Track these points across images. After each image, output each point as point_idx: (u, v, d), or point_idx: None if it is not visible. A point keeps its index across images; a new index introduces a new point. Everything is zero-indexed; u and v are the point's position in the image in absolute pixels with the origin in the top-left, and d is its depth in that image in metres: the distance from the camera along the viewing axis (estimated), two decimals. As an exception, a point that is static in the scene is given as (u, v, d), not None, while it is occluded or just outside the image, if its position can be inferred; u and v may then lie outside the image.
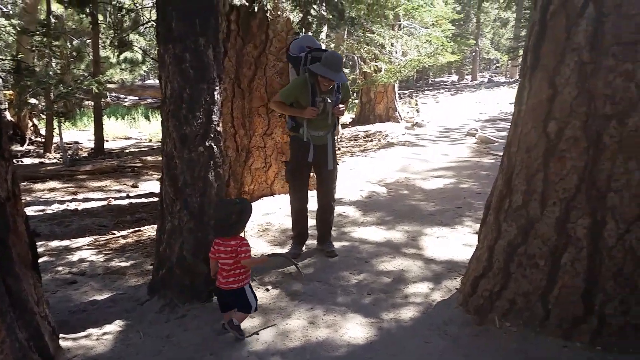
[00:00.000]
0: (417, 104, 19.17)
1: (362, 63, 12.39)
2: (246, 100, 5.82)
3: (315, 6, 4.85)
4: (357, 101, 14.48)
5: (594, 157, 2.65)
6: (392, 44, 12.05)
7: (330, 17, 4.98)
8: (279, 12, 5.67)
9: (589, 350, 2.58)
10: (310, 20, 4.94)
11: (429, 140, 11.26)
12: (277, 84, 5.86)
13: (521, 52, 32.23)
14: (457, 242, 4.39)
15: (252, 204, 5.65)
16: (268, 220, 4.98)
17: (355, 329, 2.89)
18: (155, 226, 5.18)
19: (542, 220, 2.81)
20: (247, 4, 5.15)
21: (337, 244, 4.30)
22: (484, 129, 13.29)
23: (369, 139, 11.51)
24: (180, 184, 3.19)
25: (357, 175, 7.49)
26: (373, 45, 10.96)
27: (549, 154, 2.78)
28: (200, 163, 3.21)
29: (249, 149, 5.90)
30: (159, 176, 3.63)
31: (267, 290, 3.43)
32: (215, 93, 3.24)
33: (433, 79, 38.80)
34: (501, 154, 9.53)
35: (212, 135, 3.25)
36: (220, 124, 3.33)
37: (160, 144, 3.50)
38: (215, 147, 3.27)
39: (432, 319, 3.01)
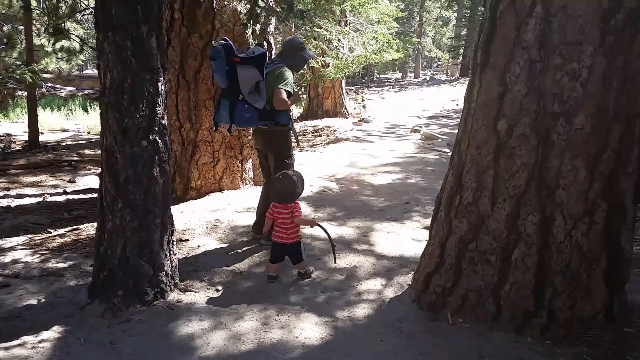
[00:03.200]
0: (363, 100, 19.35)
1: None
2: (192, 92, 5.63)
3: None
4: (304, 96, 14.41)
5: (543, 154, 2.70)
6: (339, 40, 12.05)
7: (279, 9, 4.86)
8: (225, 2, 5.52)
9: (539, 344, 2.63)
10: (258, 11, 4.81)
11: (376, 136, 11.35)
12: (225, 75, 5.69)
13: (461, 51, 33.41)
14: (407, 238, 4.42)
15: (200, 200, 5.59)
16: (217, 217, 4.83)
17: (310, 329, 2.83)
18: (95, 224, 4.93)
19: (492, 216, 2.84)
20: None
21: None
22: (428, 125, 13.58)
23: (318, 134, 11.47)
24: (122, 181, 3.01)
25: (307, 171, 7.39)
26: (321, 40, 10.90)
27: (499, 151, 2.81)
28: (143, 158, 3.04)
29: (195, 143, 5.71)
30: (98, 171, 3.42)
31: (218, 291, 3.31)
32: (159, 84, 3.08)
33: (378, 76, 39.36)
34: (445, 150, 9.74)
35: (156, 129, 3.08)
36: (165, 117, 3.17)
37: (99, 136, 3.29)
38: (160, 141, 3.10)
39: (387, 316, 2.99)
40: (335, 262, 3.59)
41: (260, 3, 4.84)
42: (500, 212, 2.81)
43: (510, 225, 2.79)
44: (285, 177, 3.54)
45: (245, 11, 5.32)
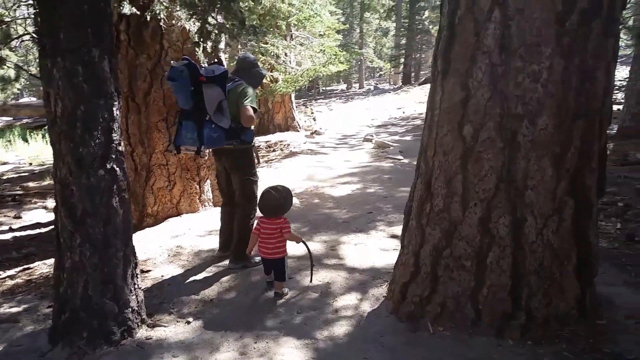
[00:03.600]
0: (312, 113, 19.40)
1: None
2: (143, 115, 5.43)
3: (213, 14, 4.60)
4: (255, 112, 14.25)
5: (509, 156, 2.73)
6: (285, 54, 12.04)
7: (230, 25, 4.76)
8: (173, 21, 5.37)
9: (521, 345, 2.64)
10: (209, 29, 4.69)
11: (330, 147, 11.37)
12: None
13: (402, 60, 34.18)
14: (375, 248, 4.39)
15: (158, 227, 5.37)
16: (178, 243, 4.64)
17: (290, 354, 2.71)
18: (47, 261, 4.64)
19: (464, 221, 2.84)
20: (138, 12, 4.79)
21: (256, 258, 4.11)
22: (378, 134, 13.76)
23: (271, 149, 11.37)
24: (79, 214, 2.82)
25: (265, 187, 7.30)
26: (268, 56, 10.85)
27: (466, 156, 2.82)
28: (101, 189, 2.86)
29: (149, 168, 5.49)
30: (45, 204, 3.20)
31: (188, 322, 3.14)
32: (114, 109, 2.92)
33: (323, 88, 39.66)
34: (399, 157, 9.87)
35: (113, 156, 2.91)
36: (122, 143, 3.01)
37: (42, 167, 3.07)
38: (117, 169, 2.93)
39: (366, 331, 2.93)
40: (311, 282, 3.60)
41: (211, 20, 4.72)
42: (471, 216, 2.82)
43: (482, 229, 2.80)
44: (275, 191, 3.54)
45: (194, 29, 5.18)
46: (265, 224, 3.50)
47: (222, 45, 5.75)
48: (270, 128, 14.12)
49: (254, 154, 4.04)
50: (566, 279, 2.83)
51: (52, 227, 5.94)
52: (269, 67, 11.15)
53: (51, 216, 6.63)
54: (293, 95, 14.62)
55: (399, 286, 3.17)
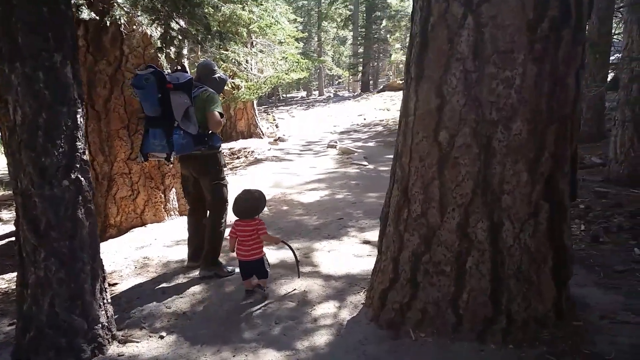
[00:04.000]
0: (274, 120, 19.32)
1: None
2: (103, 122, 5.25)
3: (176, 19, 4.48)
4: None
5: (485, 162, 2.75)
6: (246, 61, 11.94)
7: (195, 31, 4.66)
8: (134, 27, 5.22)
9: (503, 349, 2.65)
10: (172, 34, 4.57)
11: (295, 154, 11.32)
12: (137, 102, 5.36)
13: (360, 68, 34.59)
14: (348, 255, 4.36)
15: (121, 237, 5.18)
16: (144, 254, 4.48)
17: (271, 367, 2.65)
18: (5, 276, 4.40)
19: (443, 226, 2.85)
20: (97, 17, 4.62)
21: (229, 268, 4.03)
22: (342, 140, 13.81)
23: (235, 156, 11.22)
24: (43, 227, 2.67)
25: (232, 194, 7.18)
26: (230, 62, 10.72)
27: (442, 161, 2.83)
28: (65, 200, 2.72)
29: (111, 177, 5.31)
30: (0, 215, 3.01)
31: (162, 337, 3.01)
32: (78, 116, 2.80)
33: (284, 95, 39.60)
34: (364, 163, 9.91)
35: (77, 166, 2.78)
36: (87, 152, 2.87)
37: None
38: (82, 179, 2.80)
39: (347, 340, 2.88)
40: (299, 276, 3.78)
41: (174, 25, 4.61)
42: (450, 221, 2.82)
43: (461, 234, 2.81)
44: (247, 194, 3.64)
45: (156, 35, 5.05)
46: (240, 226, 3.54)
47: (185, 52, 5.64)
48: (233, 135, 13.95)
49: (221, 159, 4.04)
50: (544, 282, 2.87)
51: (8, 240, 5.68)
52: (231, 74, 11.02)
53: (6, 228, 6.31)
54: (255, 102, 14.51)
55: (378, 293, 3.14)
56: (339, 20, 39.55)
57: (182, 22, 4.71)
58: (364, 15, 35.06)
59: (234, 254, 3.63)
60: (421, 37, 2.90)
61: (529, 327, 2.83)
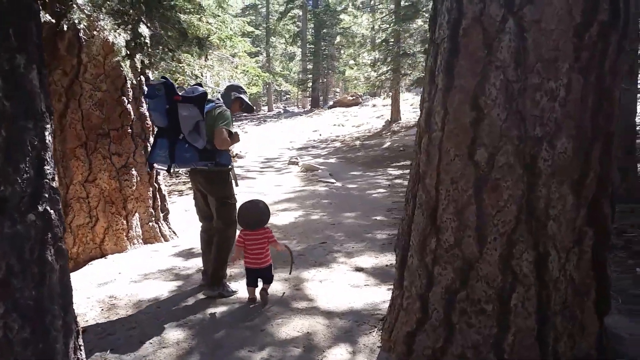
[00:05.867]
0: (228, 136, 18.69)
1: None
2: (57, 140, 4.65)
3: (147, 24, 3.97)
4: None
5: (529, 184, 2.43)
6: (201, 74, 11.39)
7: (166, 38, 4.16)
8: (94, 32, 4.64)
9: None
10: (140, 41, 4.05)
11: (255, 171, 10.83)
12: (97, 118, 4.80)
13: (310, 84, 34.51)
14: (344, 285, 3.95)
15: (79, 272, 4.54)
16: (110, 292, 3.88)
17: None
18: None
19: (482, 259, 2.49)
20: (52, 21, 4.05)
21: (212, 309, 3.54)
22: (301, 156, 13.47)
23: (191, 175, 10.59)
24: (2, 274, 2.09)
25: (195, 218, 6.61)
26: (186, 75, 10.13)
27: (480, 184, 2.48)
28: (31, 238, 2.15)
29: (66, 202, 4.69)
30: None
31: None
32: (46, 133, 2.24)
33: (233, 111, 38.88)
34: (331, 180, 9.55)
35: (46, 195, 2.22)
36: (56, 178, 2.33)
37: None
38: (52, 211, 2.24)
39: (374, 396, 2.46)
40: (290, 273, 4.01)
41: (142, 31, 4.09)
42: (491, 253, 2.47)
43: (504, 267, 2.46)
44: (252, 205, 3.74)
45: (120, 42, 4.49)
46: (249, 235, 3.64)
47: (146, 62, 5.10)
48: (187, 152, 13.28)
49: (232, 177, 3.96)
50: (587, 317, 2.57)
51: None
52: (187, 87, 10.43)
53: None
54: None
55: (402, 336, 2.74)
56: (287, 36, 39.55)
57: (146, 30, 4.20)
58: (313, 31, 35.18)
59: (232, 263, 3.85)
60: (450, 43, 2.55)
61: (575, 368, 2.52)
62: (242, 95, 4.14)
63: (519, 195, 2.42)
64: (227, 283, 3.94)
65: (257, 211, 3.71)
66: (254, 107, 4.33)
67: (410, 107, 23.23)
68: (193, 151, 3.59)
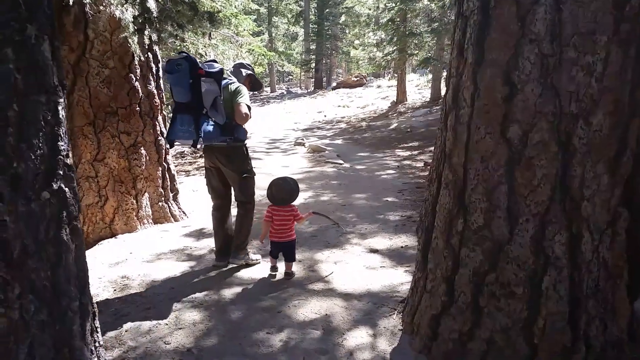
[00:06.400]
0: (232, 116, 18.55)
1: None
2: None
3: (156, -2, 3.83)
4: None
5: (564, 162, 2.33)
6: (206, 54, 11.21)
7: (176, 12, 4.01)
8: (101, 7, 4.50)
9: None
10: (148, 16, 3.91)
11: (262, 152, 10.72)
12: (105, 96, 4.69)
13: (313, 65, 34.16)
14: (359, 267, 3.88)
15: (89, 252, 4.47)
16: (122, 272, 3.82)
17: None
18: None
19: (514, 240, 2.40)
20: (58, -4, 3.91)
21: (227, 291, 3.46)
22: (307, 137, 13.33)
23: (199, 154, 10.48)
24: (17, 255, 2.01)
25: (204, 198, 6.53)
26: (192, 54, 9.96)
27: (512, 162, 2.38)
28: (46, 217, 2.07)
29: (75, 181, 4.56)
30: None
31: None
32: (60, 108, 2.15)
33: (235, 91, 38.60)
34: (339, 161, 9.42)
35: (60, 173, 2.13)
36: (70, 154, 2.24)
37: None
38: (67, 189, 2.16)
39: (400, 380, 2.39)
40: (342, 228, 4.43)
41: (150, 6, 3.95)
42: (522, 234, 2.38)
43: (536, 249, 2.37)
44: (284, 182, 3.84)
45: (128, 17, 4.35)
46: (277, 211, 3.75)
47: (155, 37, 4.96)
48: (191, 133, 13.16)
49: (247, 152, 4.04)
50: (619, 300, 2.49)
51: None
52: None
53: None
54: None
55: (426, 319, 2.66)
56: (289, 16, 39.08)
57: (154, 4, 4.06)
58: (316, 11, 34.74)
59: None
60: (481, 15, 2.43)
61: (607, 353, 2.45)
62: (252, 72, 4.18)
63: (553, 174, 2.32)
64: (250, 252, 4.07)
65: (289, 188, 3.80)
66: (263, 85, 4.32)
67: (416, 88, 23.01)
68: (214, 126, 3.61)
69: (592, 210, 2.35)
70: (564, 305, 2.37)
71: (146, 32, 4.28)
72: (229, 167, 3.88)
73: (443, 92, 13.86)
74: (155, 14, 3.90)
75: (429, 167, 8.78)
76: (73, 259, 2.18)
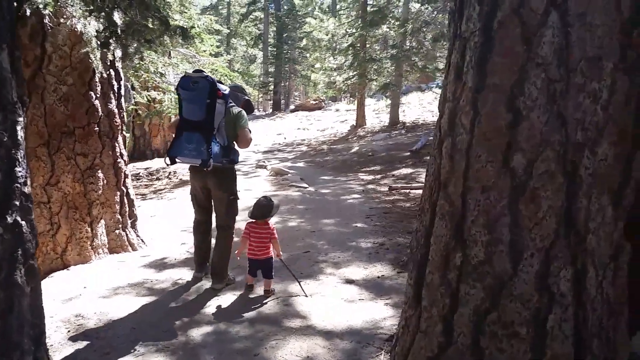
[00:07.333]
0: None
1: (134, 93, 10.84)
2: (14, 138, 4.10)
3: (124, 10, 3.54)
4: (128, 135, 12.70)
5: (569, 194, 2.20)
6: (163, 73, 10.87)
7: (142, 27, 3.73)
8: (61, 20, 4.18)
9: None
10: (114, 30, 3.62)
11: (223, 175, 10.38)
12: (62, 114, 4.34)
13: (272, 87, 34.14)
14: (337, 300, 3.66)
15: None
16: (76, 310, 3.45)
17: None
18: None
19: (517, 276, 2.24)
20: (14, 4, 3.57)
21: (196, 331, 3.15)
22: (268, 160, 13.11)
23: (155, 177, 10.05)
24: (-43, 300, 1.70)
25: (164, 224, 6.17)
26: (150, 74, 9.60)
27: (516, 193, 2.23)
28: (-4, 255, 1.77)
29: (23, 208, 4.15)
30: None
31: None
32: (19, 128, 1.89)
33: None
34: (303, 185, 9.24)
35: (16, 203, 1.86)
36: (29, 182, 1.94)
37: None
38: (23, 223, 1.87)
39: None
40: (306, 295, 3.76)
41: (117, 19, 3.67)
42: (527, 270, 2.22)
43: (540, 286, 2.21)
44: (267, 200, 4.01)
45: (90, 31, 4.04)
46: (254, 228, 3.89)
47: (119, 53, 4.67)
48: (148, 154, 12.70)
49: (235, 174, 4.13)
50: (620, 338, 2.37)
51: None
52: (153, 85, 9.91)
53: None
54: (172, 118, 13.32)
55: (421, 362, 2.46)
56: (248, 38, 39.07)
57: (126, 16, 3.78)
58: (275, 34, 34.90)
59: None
60: (483, 37, 2.30)
61: (610, 396, 2.31)
62: (248, 98, 4.29)
63: (559, 206, 2.19)
64: (228, 273, 4.14)
65: (269, 205, 3.94)
66: (254, 109, 4.35)
67: (373, 112, 23.22)
68: (219, 147, 3.70)
69: (597, 244, 2.22)
70: (569, 346, 2.21)
71: (111, 47, 3.98)
72: (219, 187, 3.93)
73: (401, 117, 14.02)
74: (121, 28, 3.61)
75: (393, 191, 8.70)
76: (28, 305, 1.87)
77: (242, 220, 4.63)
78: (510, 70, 2.23)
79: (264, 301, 3.69)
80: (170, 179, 9.80)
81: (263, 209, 3.92)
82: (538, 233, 2.20)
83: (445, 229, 2.45)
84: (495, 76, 2.27)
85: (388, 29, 18.03)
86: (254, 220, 3.93)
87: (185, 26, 4.62)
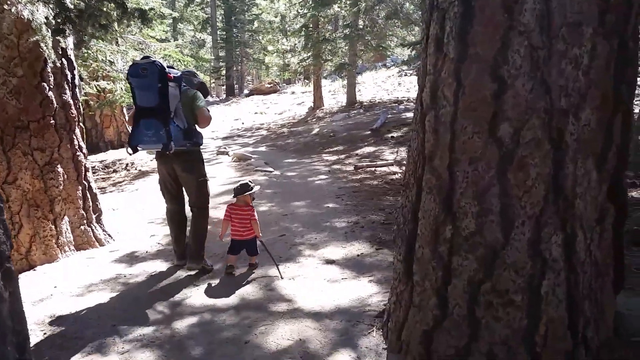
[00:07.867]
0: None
1: (83, 83, 10.36)
2: (-37, 136, 3.84)
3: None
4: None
5: (556, 160, 2.22)
6: (112, 61, 10.42)
7: (99, 11, 3.51)
8: (5, 6, 3.89)
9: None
10: (67, 15, 3.38)
11: (183, 164, 10.12)
12: (14, 108, 4.08)
13: (224, 72, 33.47)
14: (320, 281, 3.63)
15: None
16: (49, 311, 3.27)
17: None
18: None
19: (509, 245, 2.25)
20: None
21: (180, 323, 3.05)
22: (229, 146, 12.92)
23: (112, 169, 9.70)
24: None
25: (128, 217, 5.96)
26: (100, 62, 9.18)
27: (504, 163, 2.24)
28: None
29: (-20, 209, 3.89)
30: None
31: None
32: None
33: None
34: (269, 169, 9.13)
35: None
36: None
37: None
38: (-5, 224, 1.72)
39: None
40: (281, 277, 3.73)
41: (69, 4, 3.44)
42: (519, 238, 2.24)
43: (533, 253, 2.24)
44: (246, 182, 4.08)
45: (39, 18, 3.77)
46: (235, 210, 3.97)
47: (70, 42, 4.41)
48: (101, 146, 12.22)
49: (202, 156, 4.08)
50: (607, 298, 2.45)
51: None
52: (103, 74, 9.49)
53: None
54: (125, 108, 12.84)
55: (417, 336, 2.46)
56: (196, 22, 38.10)
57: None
58: (223, 18, 34.17)
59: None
60: (462, 6, 2.27)
61: (600, 353, 2.38)
62: (202, 82, 4.25)
63: (547, 173, 2.20)
64: (205, 259, 4.09)
65: (248, 185, 4.03)
66: (210, 93, 4.33)
67: (329, 93, 23.16)
68: (179, 131, 3.65)
69: (584, 208, 2.26)
70: (563, 310, 2.25)
71: (67, 34, 3.74)
72: (186, 170, 3.88)
73: (358, 97, 13.99)
74: (74, 13, 3.39)
75: (359, 170, 8.71)
76: (8, 311, 1.74)
77: (212, 207, 4.53)
78: (492, 39, 2.21)
79: (248, 279, 3.77)
80: (128, 170, 9.48)
81: (244, 185, 4.01)
82: (528, 201, 2.22)
83: (434, 203, 2.44)
84: (478, 46, 2.25)
85: (339, 9, 17.91)
86: (234, 203, 3.99)
87: (144, 8, 4.37)
